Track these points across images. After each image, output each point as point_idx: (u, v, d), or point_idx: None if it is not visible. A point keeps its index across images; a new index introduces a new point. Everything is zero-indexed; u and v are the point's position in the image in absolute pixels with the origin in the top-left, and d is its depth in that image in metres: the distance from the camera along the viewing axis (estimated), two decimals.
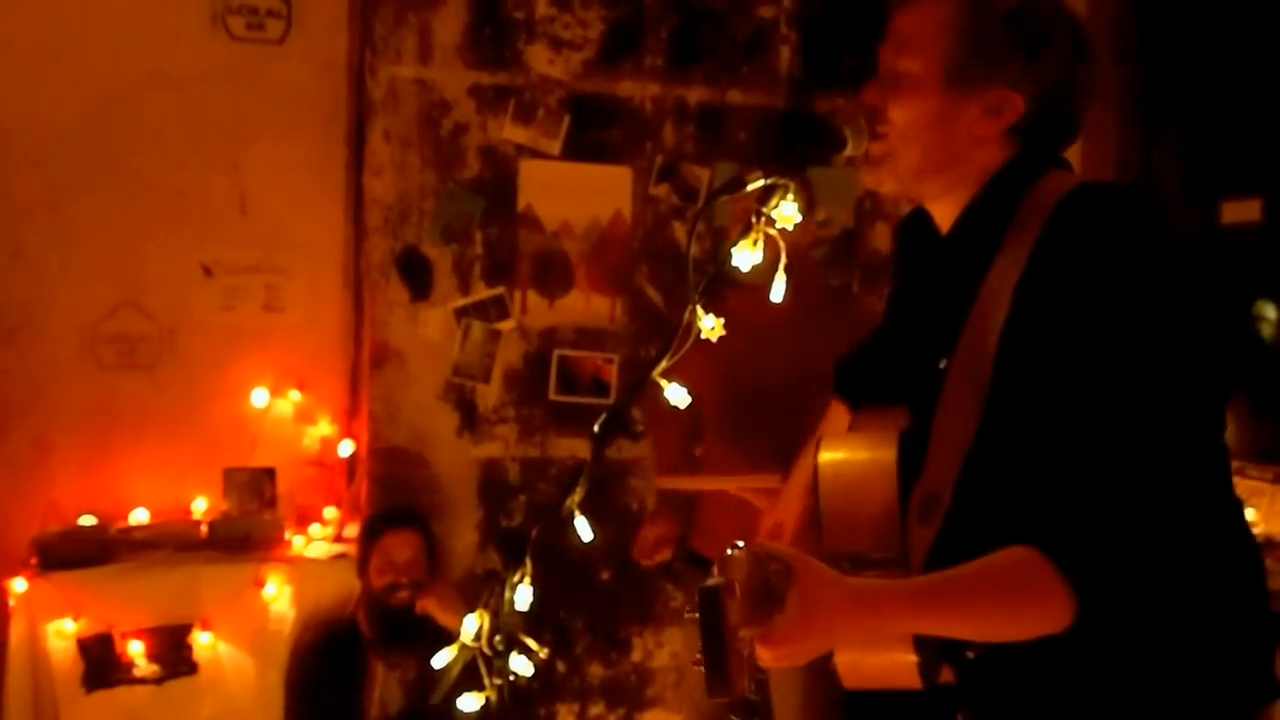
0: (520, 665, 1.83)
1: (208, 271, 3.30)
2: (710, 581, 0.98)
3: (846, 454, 1.32)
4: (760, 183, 1.34)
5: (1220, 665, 1.14)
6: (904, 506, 1.24)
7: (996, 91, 1.19)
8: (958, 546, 1.12)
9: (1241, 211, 3.08)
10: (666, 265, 3.43)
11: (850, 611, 1.07)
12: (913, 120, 1.22)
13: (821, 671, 1.23)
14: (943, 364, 1.21)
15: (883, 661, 1.19)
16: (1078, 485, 1.06)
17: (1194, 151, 3.27)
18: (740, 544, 1.03)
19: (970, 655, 1.19)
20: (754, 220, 1.38)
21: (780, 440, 2.43)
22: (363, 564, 2.92)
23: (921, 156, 1.23)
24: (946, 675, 1.24)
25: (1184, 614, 1.10)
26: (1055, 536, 1.06)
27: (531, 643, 1.79)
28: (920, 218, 1.33)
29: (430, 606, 2.81)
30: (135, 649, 2.90)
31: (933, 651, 1.19)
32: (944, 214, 1.27)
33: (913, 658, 1.18)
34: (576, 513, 1.58)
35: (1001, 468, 1.13)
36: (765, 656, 1.05)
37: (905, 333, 1.40)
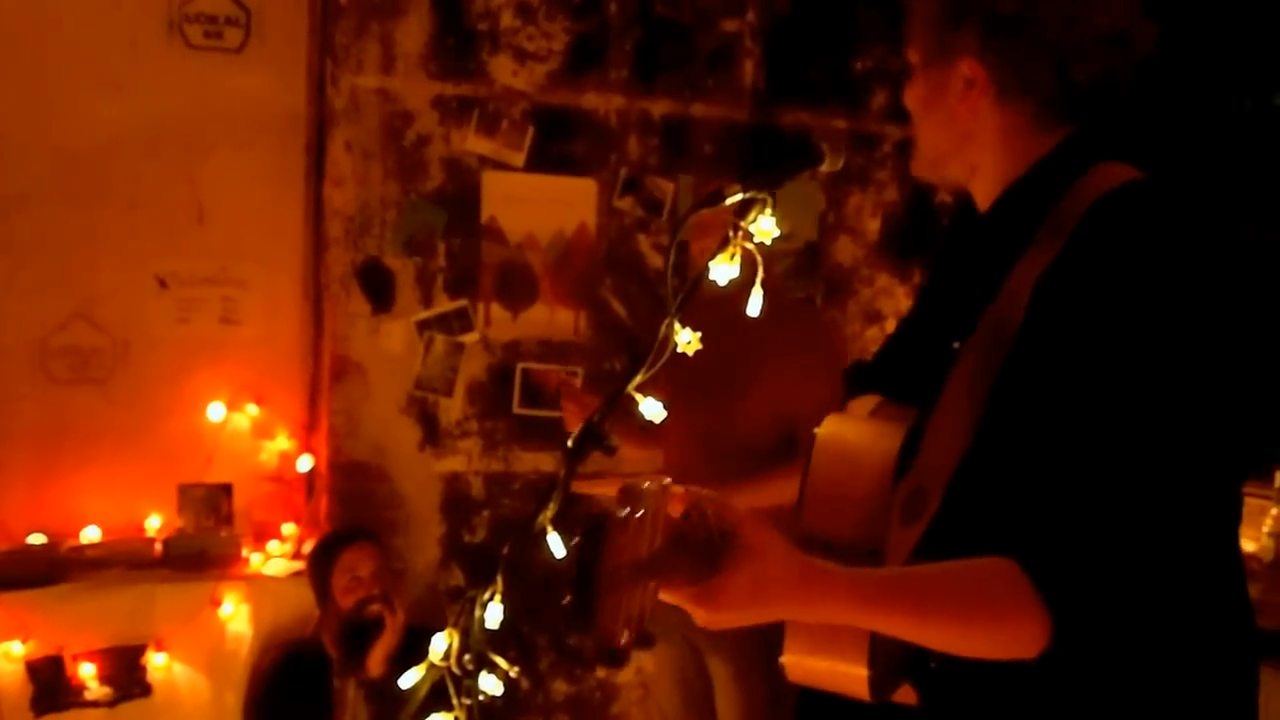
0: (490, 684, 1.80)
1: (163, 283, 3.23)
2: (616, 512, 0.87)
3: (848, 433, 1.24)
4: (739, 196, 1.33)
5: (1202, 692, 1.10)
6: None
7: (963, 62, 1.18)
8: (942, 555, 1.06)
9: None
10: (631, 278, 3.42)
11: (798, 591, 1.00)
12: (915, 107, 1.26)
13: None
14: (956, 345, 1.17)
15: (830, 668, 1.13)
16: (1074, 503, 1.00)
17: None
18: (658, 479, 0.94)
19: (933, 665, 1.13)
20: (731, 234, 1.37)
21: (733, 454, 2.40)
22: (322, 589, 2.85)
23: (929, 141, 1.25)
24: (907, 695, 1.19)
25: (1166, 641, 1.05)
26: (1041, 553, 0.99)
27: (501, 661, 1.76)
28: (969, 203, 1.30)
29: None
30: (87, 671, 2.82)
31: (890, 667, 1.12)
32: (981, 193, 1.25)
33: (863, 671, 1.11)
34: (549, 529, 1.56)
35: (997, 476, 1.07)
36: (699, 616, 1.00)
37: (930, 314, 1.37)
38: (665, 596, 1.00)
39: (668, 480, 0.97)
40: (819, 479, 1.21)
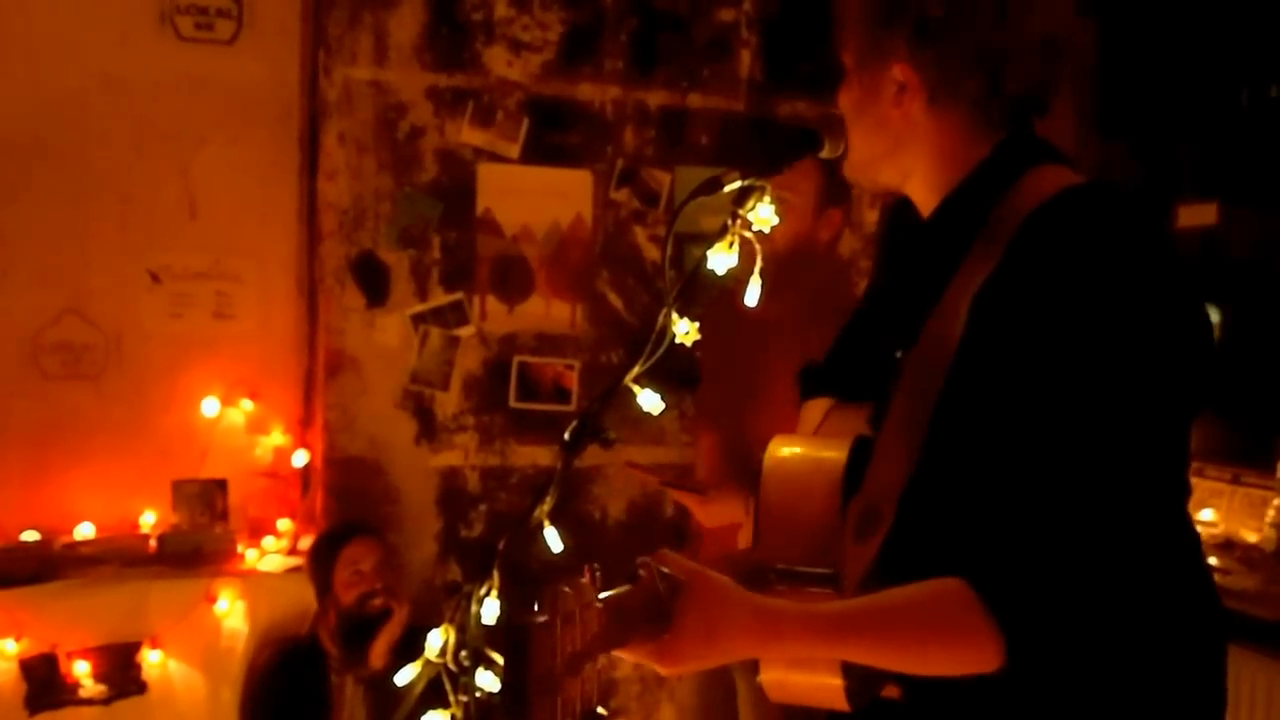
0: (486, 681, 1.78)
1: (155, 278, 3.21)
2: (527, 618, 0.94)
3: (794, 454, 1.24)
4: (737, 184, 1.32)
5: (1172, 680, 1.10)
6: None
7: (895, 66, 1.17)
8: (898, 570, 1.06)
9: (1198, 215, 3.12)
10: (628, 270, 3.40)
11: (751, 634, 1.04)
12: (849, 111, 1.24)
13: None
14: (899, 354, 1.16)
15: (808, 682, 1.14)
16: (1020, 520, 1.00)
17: (1149, 155, 3.31)
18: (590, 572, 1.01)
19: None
20: (730, 223, 1.35)
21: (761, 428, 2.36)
22: (323, 584, 2.83)
23: (863, 145, 1.24)
24: (892, 691, 1.17)
25: (1131, 639, 1.04)
26: (989, 572, 1.00)
27: (498, 657, 1.74)
28: (907, 204, 1.29)
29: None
30: (81, 669, 2.80)
31: (866, 674, 1.12)
32: (919, 199, 1.24)
33: (838, 682, 1.12)
34: (546, 523, 1.54)
35: (946, 492, 1.07)
36: (661, 671, 1.05)
37: (875, 320, 1.37)
38: (624, 655, 1.04)
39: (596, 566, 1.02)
40: (770, 504, 1.21)
